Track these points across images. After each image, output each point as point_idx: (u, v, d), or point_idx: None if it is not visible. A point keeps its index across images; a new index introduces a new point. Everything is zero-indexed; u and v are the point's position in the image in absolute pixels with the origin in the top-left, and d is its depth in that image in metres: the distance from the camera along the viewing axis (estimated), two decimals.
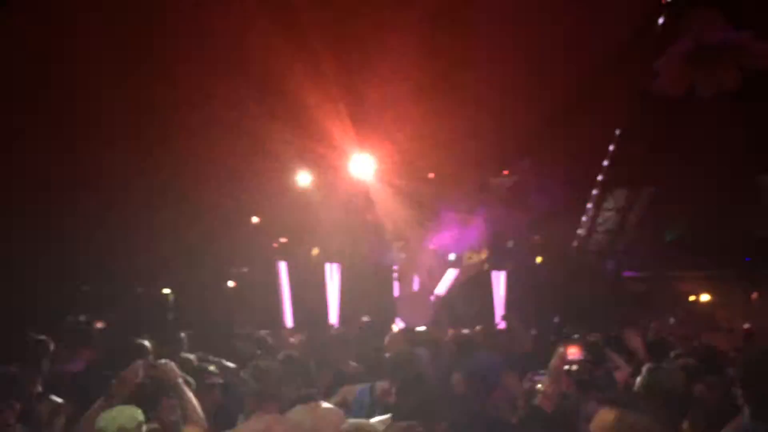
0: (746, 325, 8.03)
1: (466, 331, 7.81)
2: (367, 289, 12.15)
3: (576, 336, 5.23)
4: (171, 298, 13.25)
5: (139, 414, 2.98)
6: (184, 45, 9.35)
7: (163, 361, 3.67)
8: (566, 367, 4.00)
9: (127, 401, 3.16)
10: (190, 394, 3.39)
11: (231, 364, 5.13)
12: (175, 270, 12.65)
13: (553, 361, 3.89)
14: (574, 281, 15.56)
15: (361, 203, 14.25)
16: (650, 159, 16.31)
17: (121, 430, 2.90)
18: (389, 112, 12.65)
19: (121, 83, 9.44)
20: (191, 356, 4.85)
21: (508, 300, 13.78)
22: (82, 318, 11.67)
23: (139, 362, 3.61)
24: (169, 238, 12.29)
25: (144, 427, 2.98)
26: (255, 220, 13.16)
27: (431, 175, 14.66)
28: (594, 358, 4.73)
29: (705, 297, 16.37)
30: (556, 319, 13.93)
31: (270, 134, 12.47)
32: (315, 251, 12.99)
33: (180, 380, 3.39)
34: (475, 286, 13.83)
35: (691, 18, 8.42)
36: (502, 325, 12.49)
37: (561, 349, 4.05)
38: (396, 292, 11.63)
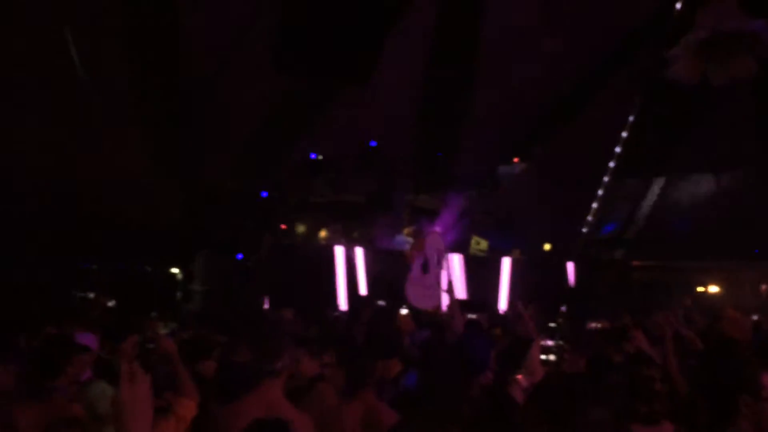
0: (754, 317, 7.97)
1: (472, 316, 7.84)
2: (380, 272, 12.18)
3: (553, 325, 5.23)
4: (179, 277, 13.36)
5: (108, 389, 2.99)
6: None
7: (161, 332, 3.72)
8: (543, 357, 3.95)
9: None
10: (183, 368, 3.42)
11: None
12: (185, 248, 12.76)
13: (531, 353, 3.82)
14: (582, 269, 15.53)
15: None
16: (663, 148, 16.22)
17: (108, 401, 2.93)
18: (395, 92, 12.64)
19: None
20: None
21: (514, 286, 13.77)
22: (90, 295, 11.86)
23: (135, 336, 3.68)
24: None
25: None
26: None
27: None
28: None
29: (713, 288, 16.29)
30: (563, 308, 13.95)
31: None
32: (323, 233, 13.01)
33: (175, 352, 3.43)
34: (483, 271, 13.83)
35: (707, 6, 8.30)
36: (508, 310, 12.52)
37: (539, 339, 3.98)
38: (406, 275, 11.66)
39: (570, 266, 14.82)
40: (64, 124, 10.92)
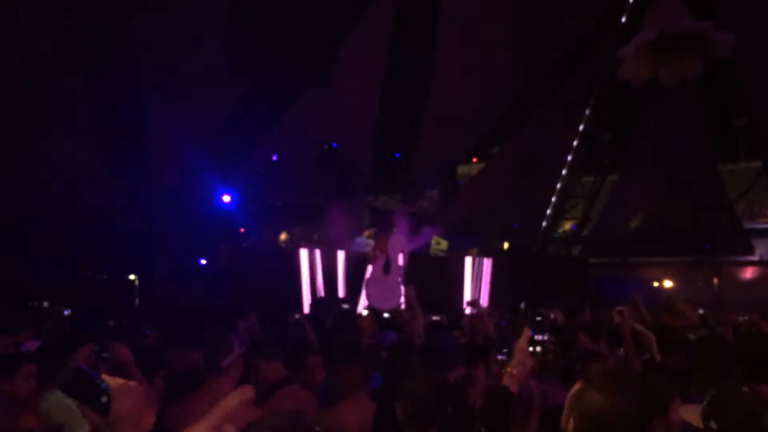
0: (701, 311, 8.21)
1: (436, 318, 7.90)
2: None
3: (539, 318, 5.27)
4: (136, 283, 13.12)
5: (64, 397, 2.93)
6: None
7: (115, 343, 3.64)
8: (531, 348, 3.99)
9: None
10: (139, 378, 3.37)
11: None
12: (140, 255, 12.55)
13: (519, 342, 3.85)
14: (540, 267, 15.76)
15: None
16: (617, 146, 16.58)
17: (66, 409, 2.87)
18: (353, 94, 12.66)
19: None
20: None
21: (475, 285, 13.90)
22: (45, 304, 11.57)
23: (90, 345, 3.60)
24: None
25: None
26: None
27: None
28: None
29: (668, 283, 16.70)
30: (522, 305, 14.11)
31: None
32: (283, 236, 12.95)
33: (132, 361, 3.38)
34: (444, 271, 13.93)
35: (655, 8, 8.53)
36: (467, 310, 12.60)
37: (527, 330, 4.01)
38: (365, 276, 11.64)
39: (528, 264, 15.02)
40: (18, 129, 10.65)
